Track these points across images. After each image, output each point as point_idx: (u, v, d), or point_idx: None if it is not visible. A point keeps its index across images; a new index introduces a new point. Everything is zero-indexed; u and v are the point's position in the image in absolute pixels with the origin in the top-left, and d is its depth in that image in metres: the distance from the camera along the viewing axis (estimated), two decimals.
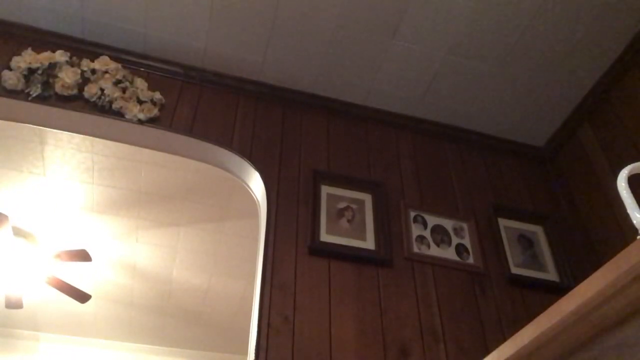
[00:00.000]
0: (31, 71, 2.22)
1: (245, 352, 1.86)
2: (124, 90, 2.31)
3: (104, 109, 2.26)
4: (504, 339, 1.39)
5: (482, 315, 2.09)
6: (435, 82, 2.54)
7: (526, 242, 2.41)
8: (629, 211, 0.87)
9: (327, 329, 1.86)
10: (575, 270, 2.34)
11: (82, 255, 3.44)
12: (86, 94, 2.25)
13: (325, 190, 2.26)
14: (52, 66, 2.24)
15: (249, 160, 2.29)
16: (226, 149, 2.31)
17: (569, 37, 2.35)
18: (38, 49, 2.28)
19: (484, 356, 1.06)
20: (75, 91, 2.25)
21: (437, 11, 2.26)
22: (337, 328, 1.87)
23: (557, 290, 2.23)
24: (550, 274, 2.32)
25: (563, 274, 2.31)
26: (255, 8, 2.27)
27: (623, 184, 0.89)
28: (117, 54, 2.41)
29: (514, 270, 2.27)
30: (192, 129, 2.33)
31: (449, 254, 2.24)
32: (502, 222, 2.42)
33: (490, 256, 2.30)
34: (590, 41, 2.36)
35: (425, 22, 2.31)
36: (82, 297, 3.76)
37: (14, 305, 3.77)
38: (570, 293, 0.71)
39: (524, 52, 2.41)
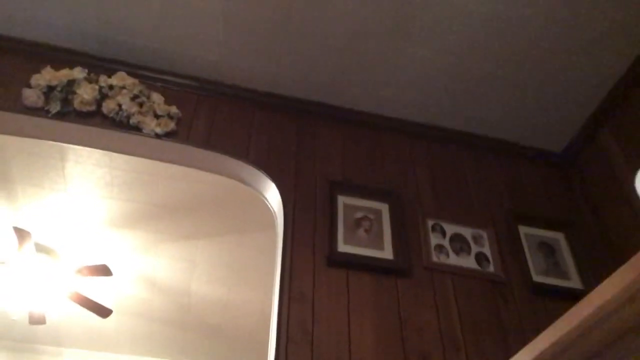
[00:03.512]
0: (50, 89, 2.26)
1: None
2: (140, 105, 2.34)
3: (121, 124, 2.29)
4: None
5: (505, 325, 2.05)
6: (449, 88, 2.52)
7: (548, 250, 2.36)
8: None
9: (346, 339, 1.84)
10: (599, 278, 2.28)
11: (103, 270, 3.47)
12: (104, 110, 2.28)
13: (342, 200, 2.25)
14: (71, 83, 2.28)
15: (265, 172, 2.29)
16: (242, 161, 2.32)
17: (584, 38, 2.31)
18: (56, 67, 2.32)
19: None
20: (93, 107, 2.28)
21: (450, 17, 2.25)
22: (356, 339, 1.85)
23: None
24: (574, 282, 2.27)
25: (587, 281, 2.25)
26: (267, 19, 2.29)
27: None
28: (133, 69, 2.45)
29: (536, 278, 2.22)
30: (209, 142, 2.35)
31: (469, 262, 2.20)
32: (522, 229, 2.38)
33: (511, 264, 2.26)
34: (607, 41, 2.32)
35: (438, 28, 2.29)
36: (104, 311, 3.78)
37: (37, 321, 3.80)
38: (587, 297, 0.69)
39: (539, 55, 2.38)
